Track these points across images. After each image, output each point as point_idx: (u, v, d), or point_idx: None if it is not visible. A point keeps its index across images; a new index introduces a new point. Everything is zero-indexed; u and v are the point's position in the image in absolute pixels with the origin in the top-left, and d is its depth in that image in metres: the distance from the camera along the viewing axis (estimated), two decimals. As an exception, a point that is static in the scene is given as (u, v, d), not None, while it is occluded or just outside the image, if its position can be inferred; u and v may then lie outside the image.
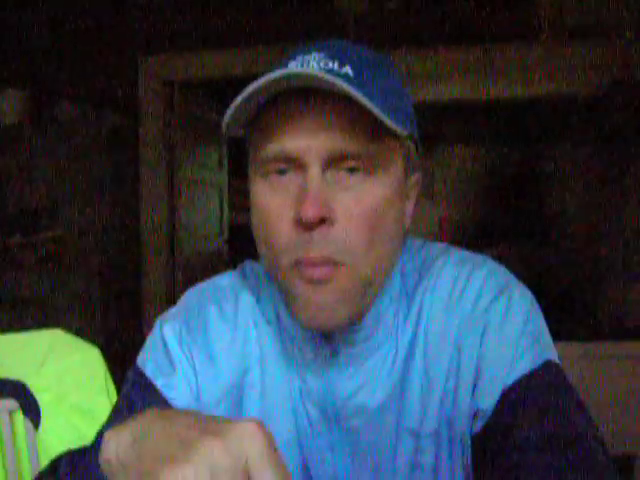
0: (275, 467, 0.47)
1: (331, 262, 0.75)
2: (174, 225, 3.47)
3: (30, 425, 1.51)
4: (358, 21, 3.04)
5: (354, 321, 0.82)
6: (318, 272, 0.75)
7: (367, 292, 0.80)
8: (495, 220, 4.20)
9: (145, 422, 0.54)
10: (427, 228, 4.09)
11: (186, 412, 0.55)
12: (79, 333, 1.69)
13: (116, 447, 0.54)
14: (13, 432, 1.52)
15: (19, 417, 1.54)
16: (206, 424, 0.50)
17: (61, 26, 3.32)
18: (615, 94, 2.94)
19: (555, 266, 3.99)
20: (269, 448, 0.47)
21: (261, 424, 0.48)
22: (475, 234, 4.19)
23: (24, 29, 3.33)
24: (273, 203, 0.77)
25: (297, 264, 0.76)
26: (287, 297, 0.80)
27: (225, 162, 4.38)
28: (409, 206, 0.88)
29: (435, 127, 4.08)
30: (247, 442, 0.47)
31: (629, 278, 3.46)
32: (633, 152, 3.45)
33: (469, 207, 4.26)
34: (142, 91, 3.32)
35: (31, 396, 1.51)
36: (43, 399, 1.52)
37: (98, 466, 0.60)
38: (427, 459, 0.83)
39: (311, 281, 0.75)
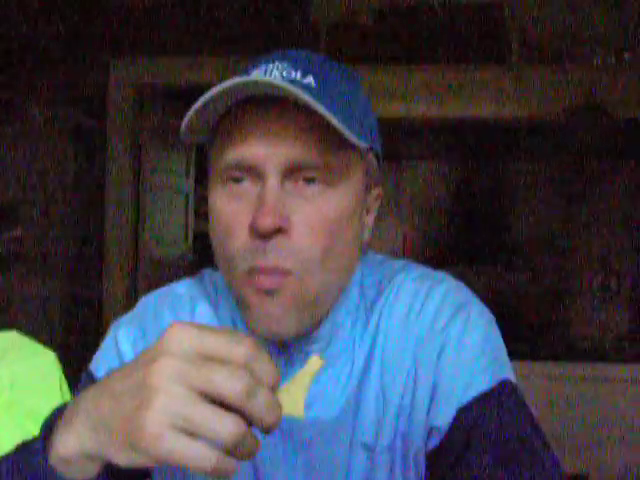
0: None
1: (281, 271, 0.74)
2: (138, 230, 3.44)
3: (-20, 429, 1.48)
4: (330, 33, 3.05)
5: (306, 332, 0.81)
6: (269, 282, 0.74)
7: (317, 303, 0.79)
8: (459, 239, 4.23)
9: (85, 398, 0.58)
10: (391, 244, 4.11)
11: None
12: (37, 335, 1.66)
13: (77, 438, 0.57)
14: (-38, 435, 1.49)
15: (-31, 420, 1.51)
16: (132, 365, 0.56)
17: (34, 26, 3.29)
18: (580, 118, 2.99)
19: (516, 287, 4.03)
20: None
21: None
22: (438, 252, 4.21)
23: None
24: (230, 210, 0.77)
25: (250, 272, 0.75)
26: (241, 306, 0.80)
27: (192, 169, 4.36)
28: (369, 219, 0.88)
29: (402, 144, 4.10)
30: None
31: (588, 301, 3.52)
32: (596, 175, 3.51)
33: (433, 225, 4.29)
34: (111, 94, 3.29)
35: (-18, 399, 1.48)
36: (-5, 403, 1.49)
37: (42, 465, 0.60)
38: (381, 475, 0.83)
39: (261, 291, 0.75)
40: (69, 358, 1.89)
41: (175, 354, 0.51)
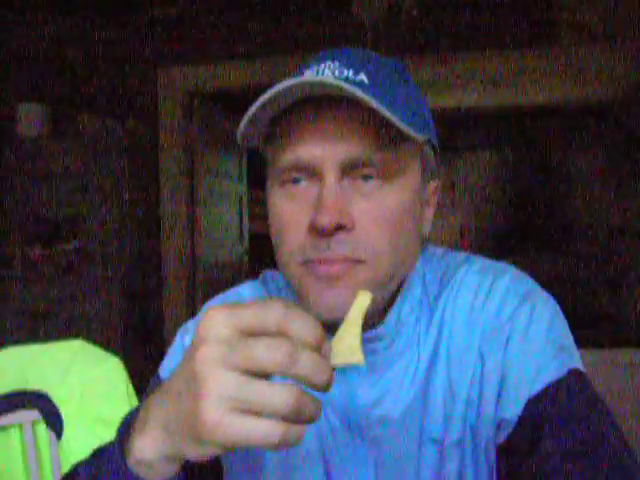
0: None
1: (349, 260, 0.74)
2: (194, 235, 3.49)
3: (53, 435, 1.52)
4: (375, 28, 3.04)
5: (371, 323, 0.81)
6: (335, 269, 0.74)
7: (384, 291, 0.79)
8: (516, 227, 4.18)
9: (154, 402, 0.60)
10: (448, 236, 4.08)
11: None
12: (100, 344, 1.70)
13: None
14: (36, 443, 1.53)
15: (42, 428, 1.54)
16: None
17: (82, 38, 3.35)
18: (634, 99, 2.92)
19: (576, 274, 3.95)
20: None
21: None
22: (496, 242, 4.16)
23: (44, 41, 3.37)
24: (289, 210, 0.77)
25: (309, 262, 0.75)
26: (302, 297, 0.79)
27: (245, 172, 4.40)
28: (428, 212, 0.87)
29: (455, 135, 4.07)
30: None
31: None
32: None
33: (490, 214, 4.24)
34: (161, 102, 3.34)
35: (54, 407, 1.52)
36: (66, 410, 1.53)
37: (123, 467, 0.61)
38: (451, 469, 0.82)
39: (324, 278, 0.74)
40: (131, 367, 1.92)
41: (213, 339, 0.51)
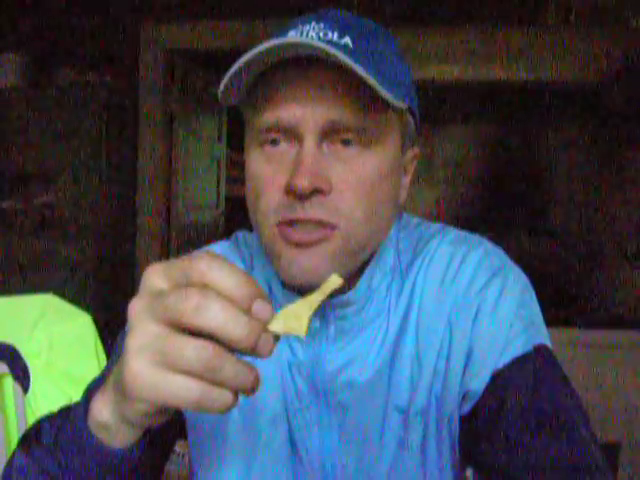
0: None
1: (324, 225, 0.74)
2: (170, 195, 3.46)
3: (19, 389, 1.51)
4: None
5: (342, 289, 0.81)
6: (308, 237, 0.73)
7: (357, 259, 0.79)
8: (492, 203, 4.20)
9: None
10: (424, 209, 4.08)
11: None
12: (72, 299, 1.69)
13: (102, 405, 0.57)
14: (2, 395, 1.52)
15: (8, 381, 1.54)
16: None
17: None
18: (618, 81, 2.92)
19: (551, 253, 3.99)
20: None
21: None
22: (472, 216, 4.18)
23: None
24: (266, 171, 0.77)
25: (283, 225, 0.75)
26: (273, 259, 0.79)
27: (224, 135, 4.36)
28: (406, 180, 0.87)
29: (436, 107, 4.06)
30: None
31: (624, 267, 3.47)
32: (633, 140, 3.44)
33: (467, 189, 4.25)
34: (143, 59, 3.29)
35: (21, 360, 1.52)
36: (33, 364, 1.52)
37: (85, 430, 0.60)
38: (415, 437, 0.83)
39: (297, 244, 0.74)
40: (103, 320, 1.92)
41: (146, 291, 0.51)
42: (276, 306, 0.87)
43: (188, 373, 0.48)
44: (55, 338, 1.56)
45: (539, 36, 2.98)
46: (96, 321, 1.67)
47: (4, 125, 3.05)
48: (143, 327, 0.49)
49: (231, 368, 0.48)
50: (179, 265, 0.51)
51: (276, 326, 0.52)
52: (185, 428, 0.92)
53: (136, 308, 0.50)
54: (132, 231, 3.33)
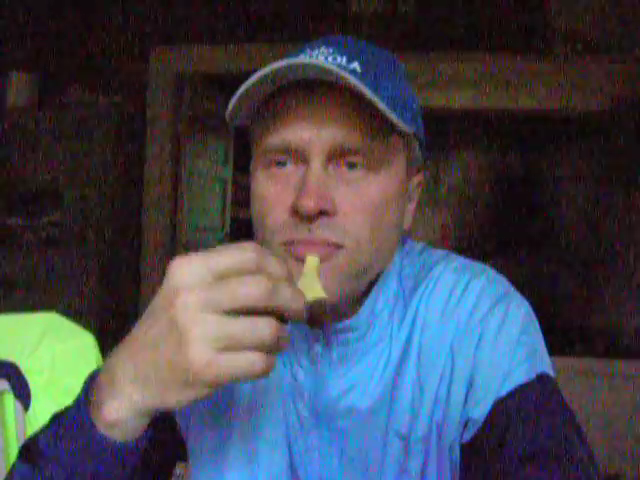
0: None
1: (330, 244, 0.74)
2: (176, 215, 3.47)
3: (20, 407, 1.51)
4: (370, 22, 3.03)
5: (344, 319, 0.82)
6: (313, 251, 0.74)
7: (362, 279, 0.80)
8: (498, 229, 4.19)
9: (117, 362, 0.61)
10: (429, 235, 4.08)
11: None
12: (76, 317, 1.68)
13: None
14: (2, 412, 1.52)
15: (9, 398, 1.53)
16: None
17: (74, 10, 3.32)
18: (621, 111, 2.93)
19: (556, 280, 3.98)
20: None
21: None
22: (476, 243, 4.18)
23: (35, 12, 3.33)
24: (272, 191, 0.77)
25: (289, 243, 0.75)
26: None
27: (231, 157, 4.38)
28: (410, 206, 0.88)
29: (442, 134, 4.07)
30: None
31: (630, 296, 3.45)
32: (637, 170, 3.44)
33: (472, 216, 4.26)
34: (152, 81, 3.31)
35: (22, 378, 1.51)
36: (35, 381, 1.52)
37: (92, 429, 0.61)
38: (415, 464, 0.82)
39: (304, 261, 0.74)
40: (106, 340, 1.91)
41: (190, 286, 0.55)
42: (291, 341, 0.87)
43: (256, 349, 0.55)
44: (57, 356, 1.56)
45: (547, 64, 3.00)
46: (100, 339, 1.67)
47: (13, 143, 3.07)
48: (202, 319, 0.54)
49: (286, 337, 0.58)
50: (225, 255, 0.56)
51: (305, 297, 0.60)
52: (185, 450, 0.92)
53: (187, 302, 0.54)
54: (137, 250, 3.33)
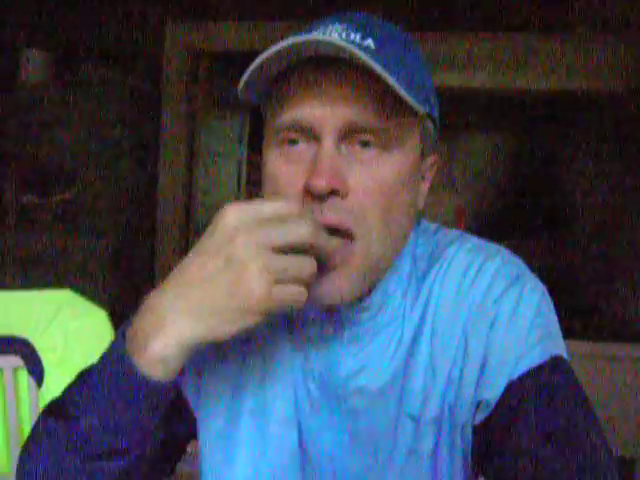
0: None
1: (343, 234, 0.74)
2: (191, 194, 3.47)
3: (33, 383, 1.52)
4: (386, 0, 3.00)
5: (361, 298, 0.81)
6: (329, 261, 0.73)
7: (377, 270, 0.79)
8: (513, 212, 4.17)
9: (161, 302, 0.68)
10: (444, 217, 4.07)
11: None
12: (89, 295, 1.69)
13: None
14: (16, 389, 1.53)
15: (23, 374, 1.55)
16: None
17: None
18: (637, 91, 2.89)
19: (570, 263, 3.96)
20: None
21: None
22: (492, 225, 4.16)
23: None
24: (284, 171, 0.76)
25: None
26: None
27: (245, 136, 4.37)
28: (424, 187, 0.86)
29: (458, 114, 4.04)
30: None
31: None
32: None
33: (487, 197, 4.23)
34: (167, 58, 3.30)
35: (36, 354, 1.52)
36: (48, 358, 1.53)
37: (133, 368, 0.67)
38: (426, 446, 0.82)
39: (319, 268, 0.72)
40: (120, 319, 1.92)
41: (248, 226, 0.64)
42: (293, 313, 0.87)
43: (301, 282, 0.66)
44: (70, 334, 1.57)
45: (565, 45, 2.96)
46: (112, 316, 1.67)
47: (28, 121, 3.07)
48: (260, 256, 0.63)
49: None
50: (268, 204, 0.66)
51: None
52: (196, 428, 0.92)
53: (246, 241, 0.63)
54: (152, 229, 3.34)
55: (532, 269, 0.87)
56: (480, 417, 0.80)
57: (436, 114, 0.84)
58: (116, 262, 3.15)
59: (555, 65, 2.98)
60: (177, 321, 0.65)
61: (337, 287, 0.75)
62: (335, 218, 0.73)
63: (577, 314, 3.36)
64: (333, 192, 0.72)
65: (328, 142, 0.73)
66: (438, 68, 2.96)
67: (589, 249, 3.88)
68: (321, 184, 0.71)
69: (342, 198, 0.73)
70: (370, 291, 0.82)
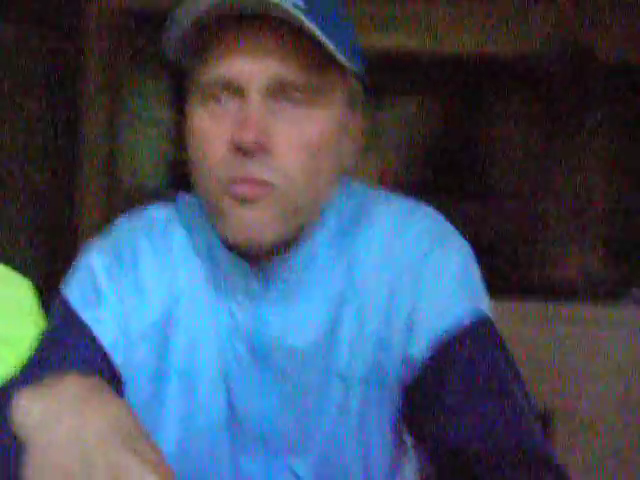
0: None
1: (264, 183, 0.74)
2: (115, 158, 3.40)
3: (-47, 353, 1.48)
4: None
5: (283, 258, 0.81)
6: (251, 190, 0.74)
7: (297, 217, 0.79)
8: (436, 175, 4.21)
9: (59, 402, 0.56)
10: (367, 180, 4.08)
11: (108, 400, 0.58)
12: (11, 263, 1.64)
13: (24, 418, 0.56)
14: None
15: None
16: (118, 443, 0.52)
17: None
18: (560, 54, 2.96)
19: (494, 224, 4.04)
20: None
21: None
22: (415, 188, 4.20)
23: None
24: (210, 127, 0.76)
25: (229, 182, 0.75)
26: (216, 217, 0.79)
27: (171, 99, 4.29)
28: (350, 145, 0.86)
29: (381, 78, 4.04)
30: None
31: (565, 237, 3.53)
32: (576, 114, 3.49)
33: (412, 161, 4.26)
34: (89, 19, 3.20)
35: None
36: (-32, 328, 1.49)
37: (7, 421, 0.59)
38: (355, 404, 0.83)
39: (241, 199, 0.74)
40: (44, 283, 1.87)
41: None
42: (216, 270, 0.86)
43: None
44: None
45: (481, 6, 2.99)
46: (35, 284, 1.63)
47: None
48: None
49: None
50: None
51: None
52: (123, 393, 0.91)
53: None
54: (73, 194, 3.26)
55: (457, 229, 0.89)
56: (408, 376, 0.81)
57: (364, 73, 0.84)
58: (37, 230, 3.07)
59: (476, 27, 3.01)
60: None
61: (256, 219, 0.75)
62: (261, 173, 0.73)
63: (501, 273, 3.45)
64: (260, 148, 0.72)
65: (255, 97, 0.73)
66: (365, 29, 2.95)
67: (515, 210, 3.97)
68: (249, 138, 0.70)
69: (266, 154, 0.73)
70: (294, 247, 0.82)
